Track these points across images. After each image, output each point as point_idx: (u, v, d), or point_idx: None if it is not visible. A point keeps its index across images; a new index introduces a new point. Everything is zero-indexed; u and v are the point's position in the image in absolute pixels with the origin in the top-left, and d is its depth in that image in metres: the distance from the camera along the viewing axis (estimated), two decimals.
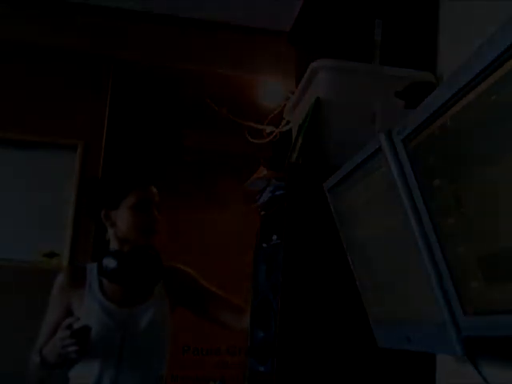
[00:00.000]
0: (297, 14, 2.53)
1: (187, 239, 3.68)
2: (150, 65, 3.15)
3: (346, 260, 1.31)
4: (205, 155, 3.49)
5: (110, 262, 1.63)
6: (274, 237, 1.48)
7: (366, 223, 1.20)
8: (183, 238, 3.62)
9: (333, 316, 1.36)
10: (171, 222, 3.00)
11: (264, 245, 1.57)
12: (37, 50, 3.01)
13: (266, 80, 2.47)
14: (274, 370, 1.33)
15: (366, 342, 1.29)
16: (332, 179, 1.28)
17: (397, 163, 0.94)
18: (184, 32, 3.06)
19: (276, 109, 2.26)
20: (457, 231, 0.82)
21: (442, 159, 0.81)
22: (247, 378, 1.56)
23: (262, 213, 1.64)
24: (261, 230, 1.62)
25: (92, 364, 1.60)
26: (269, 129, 2.31)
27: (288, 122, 2.05)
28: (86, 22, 2.98)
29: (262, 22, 2.95)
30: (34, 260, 2.88)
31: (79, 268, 1.78)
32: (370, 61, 1.55)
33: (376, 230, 1.15)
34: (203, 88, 3.14)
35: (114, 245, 1.71)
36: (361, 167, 1.11)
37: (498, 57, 0.61)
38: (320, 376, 1.33)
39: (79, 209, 2.89)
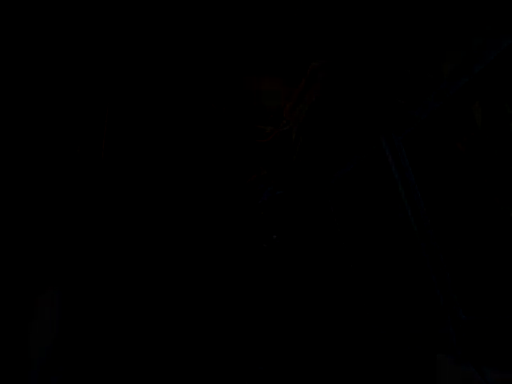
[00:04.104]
0: (298, 15, 2.53)
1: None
2: (149, 65, 3.15)
3: (345, 259, 1.30)
4: (205, 155, 3.49)
5: None
6: (274, 237, 1.48)
7: (365, 222, 1.20)
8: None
9: (333, 315, 1.36)
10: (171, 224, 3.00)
11: (264, 245, 1.57)
12: (36, 55, 3.00)
13: (266, 80, 2.47)
14: (274, 369, 1.33)
15: (367, 342, 1.29)
16: (332, 179, 1.28)
17: (397, 163, 0.94)
18: (184, 32, 3.05)
19: (276, 109, 2.26)
20: (457, 231, 0.82)
21: (442, 159, 0.81)
22: (247, 377, 1.56)
23: (262, 213, 1.64)
24: (261, 230, 1.62)
25: None
26: (269, 129, 2.30)
27: (288, 122, 2.04)
28: (84, 26, 2.98)
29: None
30: None
31: None
32: (370, 61, 1.55)
33: (376, 229, 1.15)
34: (203, 88, 3.13)
35: None
36: (361, 167, 1.11)
37: (497, 57, 0.61)
38: (320, 376, 1.32)
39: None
